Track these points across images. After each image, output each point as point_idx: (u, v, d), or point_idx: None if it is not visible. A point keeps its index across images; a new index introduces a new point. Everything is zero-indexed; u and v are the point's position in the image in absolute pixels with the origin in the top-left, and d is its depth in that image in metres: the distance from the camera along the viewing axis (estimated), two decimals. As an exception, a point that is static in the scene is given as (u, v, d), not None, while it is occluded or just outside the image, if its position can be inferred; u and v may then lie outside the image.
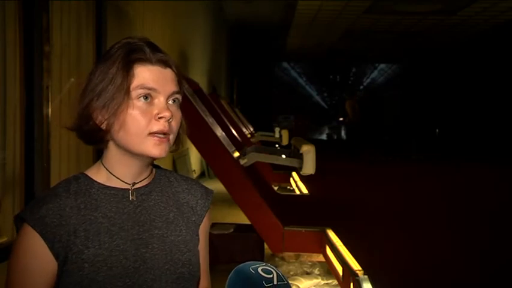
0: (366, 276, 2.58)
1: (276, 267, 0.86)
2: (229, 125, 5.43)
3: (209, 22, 10.66)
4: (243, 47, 16.67)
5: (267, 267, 0.85)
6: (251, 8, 11.74)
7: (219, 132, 3.87)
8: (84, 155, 3.24)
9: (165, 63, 1.01)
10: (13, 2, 2.47)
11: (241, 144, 5.06)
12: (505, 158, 10.77)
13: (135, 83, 0.98)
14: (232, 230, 4.13)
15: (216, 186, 3.80)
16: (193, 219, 1.10)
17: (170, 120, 0.99)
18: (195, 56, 8.77)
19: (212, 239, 4.01)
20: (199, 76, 8.83)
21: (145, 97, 0.98)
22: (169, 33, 6.57)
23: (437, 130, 16.75)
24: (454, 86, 17.05)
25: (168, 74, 1.01)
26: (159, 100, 0.99)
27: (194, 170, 8.21)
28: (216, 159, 3.73)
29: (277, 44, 16.26)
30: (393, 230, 4.03)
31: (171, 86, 1.00)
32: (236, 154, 3.89)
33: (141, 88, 0.98)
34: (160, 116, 0.98)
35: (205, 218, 1.12)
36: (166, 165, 6.23)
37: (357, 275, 2.61)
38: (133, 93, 0.98)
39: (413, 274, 2.96)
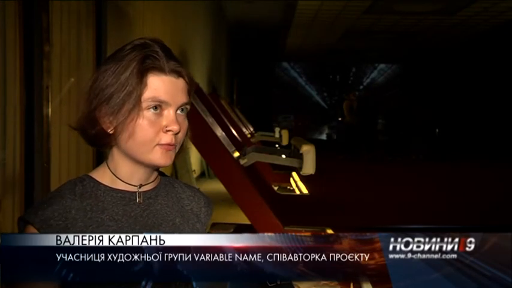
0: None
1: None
2: (229, 125, 5.42)
3: (209, 22, 10.66)
4: (243, 47, 16.66)
5: None
6: (251, 8, 11.73)
7: (219, 132, 3.87)
8: (84, 155, 3.24)
9: (178, 73, 0.99)
10: (13, 2, 2.46)
11: (241, 144, 5.06)
12: (505, 158, 10.76)
13: (147, 93, 0.96)
14: (232, 230, 4.13)
15: (216, 186, 3.80)
16: (198, 226, 1.09)
17: (178, 132, 0.98)
18: (195, 56, 8.77)
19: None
20: (199, 76, 8.82)
21: (155, 107, 0.97)
22: (170, 33, 6.57)
23: (437, 130, 16.73)
24: (454, 86, 17.05)
25: (180, 84, 0.99)
26: (169, 112, 0.98)
27: (194, 170, 8.20)
28: (216, 159, 3.72)
29: (277, 44, 16.25)
30: (393, 229, 4.03)
31: (181, 98, 0.99)
32: (236, 154, 3.89)
33: (152, 100, 0.96)
34: (168, 129, 0.97)
35: (208, 227, 1.12)
36: (166, 165, 6.22)
37: (356, 275, 2.61)
38: (144, 104, 0.96)
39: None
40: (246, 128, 8.26)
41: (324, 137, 19.83)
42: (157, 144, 0.97)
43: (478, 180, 7.46)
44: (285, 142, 7.48)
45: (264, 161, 4.81)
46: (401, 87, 20.16)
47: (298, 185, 6.13)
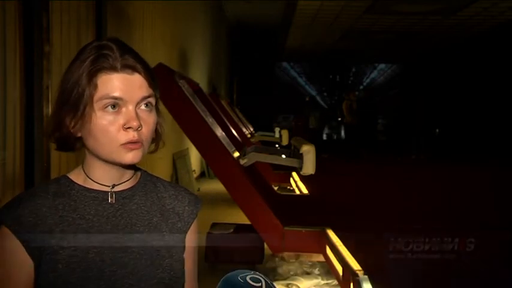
0: (365, 276, 2.57)
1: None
2: (229, 125, 5.43)
3: (209, 22, 10.66)
4: (243, 47, 16.67)
5: (256, 276, 0.85)
6: (251, 7, 11.74)
7: (219, 132, 3.86)
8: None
9: (132, 69, 0.97)
10: (13, 2, 2.47)
11: (241, 144, 5.05)
12: (505, 158, 10.76)
13: (100, 93, 0.95)
14: (232, 230, 4.13)
15: (216, 186, 3.80)
16: (179, 225, 1.07)
17: (139, 128, 0.96)
18: (195, 56, 8.77)
19: (212, 239, 4.01)
20: (199, 76, 8.83)
21: (113, 106, 0.95)
22: (170, 33, 6.57)
23: (437, 130, 16.74)
24: (454, 86, 17.05)
25: (135, 80, 0.97)
26: (127, 109, 0.96)
27: (194, 170, 8.21)
28: (216, 159, 3.72)
29: (277, 44, 16.25)
30: (393, 229, 4.03)
31: (139, 92, 0.97)
32: (236, 154, 3.88)
33: (106, 98, 0.95)
34: (127, 126, 0.95)
35: (192, 225, 1.09)
36: (167, 165, 6.22)
37: (356, 275, 2.61)
38: (99, 104, 0.95)
39: (412, 274, 2.96)
40: (246, 128, 8.25)
41: (324, 137, 19.81)
42: (121, 144, 0.96)
43: (478, 180, 7.45)
44: (285, 142, 7.48)
45: (264, 161, 4.80)
46: (401, 87, 20.16)
47: (298, 185, 6.12)
